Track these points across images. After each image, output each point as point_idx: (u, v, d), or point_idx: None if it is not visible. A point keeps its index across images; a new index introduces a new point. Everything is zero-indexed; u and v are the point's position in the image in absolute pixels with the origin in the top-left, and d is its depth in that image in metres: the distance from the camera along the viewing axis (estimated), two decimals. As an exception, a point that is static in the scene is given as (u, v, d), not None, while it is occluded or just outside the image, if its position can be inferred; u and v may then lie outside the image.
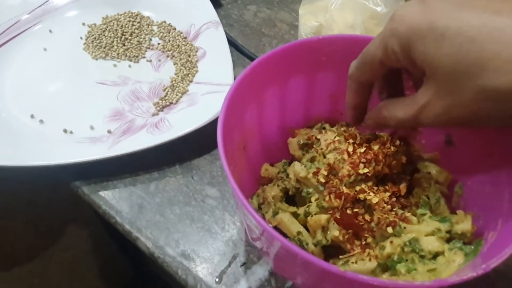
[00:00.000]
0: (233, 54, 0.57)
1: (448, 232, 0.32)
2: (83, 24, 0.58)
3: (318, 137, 0.39)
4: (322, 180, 0.34)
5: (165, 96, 0.51)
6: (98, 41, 0.56)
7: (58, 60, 0.54)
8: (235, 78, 0.53)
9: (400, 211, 0.33)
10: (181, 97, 0.51)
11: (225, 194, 0.43)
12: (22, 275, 0.85)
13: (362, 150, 0.35)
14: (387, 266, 0.31)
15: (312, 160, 0.37)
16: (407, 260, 0.30)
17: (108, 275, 0.99)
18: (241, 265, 0.39)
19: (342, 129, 0.41)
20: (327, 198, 0.33)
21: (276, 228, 0.36)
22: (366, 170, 0.33)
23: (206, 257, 0.39)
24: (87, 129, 0.47)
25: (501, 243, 0.27)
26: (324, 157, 0.37)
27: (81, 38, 0.57)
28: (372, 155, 0.34)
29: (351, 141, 0.36)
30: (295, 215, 0.36)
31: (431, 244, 0.31)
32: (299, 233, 0.34)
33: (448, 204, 0.36)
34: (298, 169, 0.36)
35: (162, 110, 0.49)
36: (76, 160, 0.42)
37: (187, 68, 0.53)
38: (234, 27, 0.62)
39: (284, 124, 0.41)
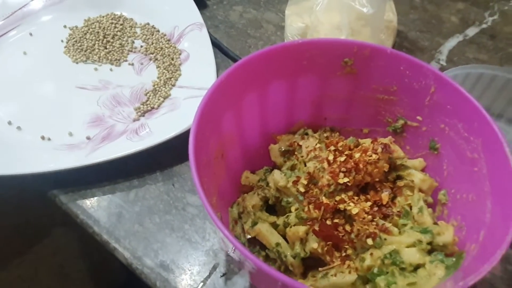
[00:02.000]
0: (218, 56, 0.56)
1: (430, 243, 0.31)
2: (65, 26, 0.57)
3: (301, 143, 0.38)
4: (302, 190, 0.34)
5: (147, 100, 0.49)
6: (79, 44, 0.55)
7: (38, 64, 0.53)
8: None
9: (381, 222, 0.32)
10: (163, 101, 0.49)
11: (206, 202, 0.42)
12: (11, 280, 0.84)
13: (342, 158, 0.33)
14: (367, 278, 0.30)
15: (292, 168, 0.36)
16: (387, 273, 0.30)
17: (99, 279, 0.98)
18: (221, 276, 0.38)
19: (325, 135, 0.40)
20: (306, 209, 0.32)
21: (255, 238, 0.35)
22: (346, 180, 0.32)
23: (185, 268, 0.38)
24: (66, 135, 0.46)
25: (481, 257, 0.26)
26: (305, 165, 0.36)
27: (61, 41, 0.55)
28: (352, 164, 0.33)
29: (332, 148, 0.35)
30: (274, 225, 0.35)
31: (412, 256, 0.30)
32: (277, 244, 0.33)
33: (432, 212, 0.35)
34: (277, 177, 0.35)
35: (144, 115, 0.48)
36: (52, 169, 0.41)
37: (170, 72, 0.52)
38: (219, 29, 0.61)
39: (265, 130, 0.40)
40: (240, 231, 0.36)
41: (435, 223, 0.33)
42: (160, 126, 0.46)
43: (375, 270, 0.30)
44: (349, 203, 0.32)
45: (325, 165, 0.34)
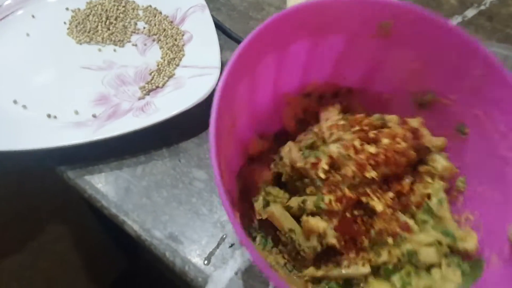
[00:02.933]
0: (221, 38, 0.56)
1: (449, 246, 0.30)
2: (67, 9, 0.57)
3: (316, 108, 0.35)
4: (322, 176, 0.31)
5: (151, 80, 0.50)
6: (82, 26, 0.55)
7: (42, 45, 0.53)
8: (222, 61, 0.52)
9: (402, 217, 0.31)
10: (167, 81, 0.50)
11: (212, 176, 0.43)
12: (12, 268, 0.84)
13: (372, 149, 0.31)
14: (378, 269, 0.30)
15: (311, 146, 0.34)
16: (401, 269, 0.29)
17: (101, 265, 0.98)
18: (229, 246, 0.38)
19: (344, 103, 0.37)
20: (326, 200, 0.30)
21: (266, 220, 0.33)
22: (374, 174, 0.30)
23: (194, 239, 0.39)
24: (72, 113, 0.46)
25: (507, 279, 0.25)
26: (324, 141, 0.33)
27: (64, 23, 0.55)
28: (382, 156, 0.31)
29: (357, 128, 0.32)
30: (287, 208, 0.33)
31: (429, 256, 0.29)
32: (291, 230, 0.32)
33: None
34: (295, 157, 0.32)
35: (149, 94, 0.49)
36: (60, 144, 0.42)
37: (174, 52, 0.52)
38: (221, 11, 0.61)
39: (278, 91, 0.36)
40: (248, 207, 0.34)
41: (455, 216, 0.32)
42: (166, 103, 0.46)
43: (390, 266, 0.29)
44: (372, 197, 0.31)
45: (351, 152, 0.31)
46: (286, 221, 0.32)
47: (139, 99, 0.48)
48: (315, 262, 0.32)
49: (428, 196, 0.33)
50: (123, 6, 0.57)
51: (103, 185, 0.42)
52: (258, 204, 0.34)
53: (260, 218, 0.33)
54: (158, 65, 0.51)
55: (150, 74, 0.50)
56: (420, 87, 0.36)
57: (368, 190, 0.31)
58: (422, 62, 0.34)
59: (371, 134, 0.33)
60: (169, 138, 0.46)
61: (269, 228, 0.34)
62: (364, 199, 0.31)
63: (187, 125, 0.46)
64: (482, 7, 0.64)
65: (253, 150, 0.37)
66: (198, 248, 0.38)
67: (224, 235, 0.39)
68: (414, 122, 0.35)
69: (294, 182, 0.34)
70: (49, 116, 0.46)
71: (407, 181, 0.33)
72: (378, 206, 0.30)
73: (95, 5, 0.57)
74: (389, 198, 0.31)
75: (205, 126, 0.47)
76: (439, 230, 0.31)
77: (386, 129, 0.34)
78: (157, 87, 0.49)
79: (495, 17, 0.62)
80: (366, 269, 0.29)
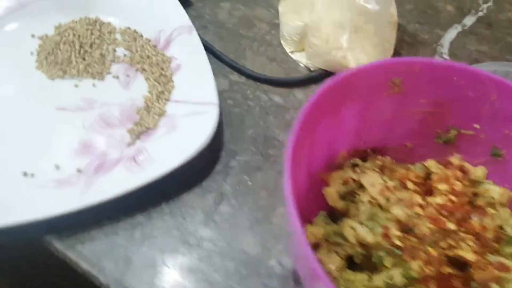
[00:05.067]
0: (211, 62, 0.51)
1: None
2: (33, 36, 0.49)
3: (354, 177, 0.34)
4: (399, 244, 0.30)
5: (140, 120, 0.44)
6: (52, 57, 0.48)
7: (6, 84, 0.45)
8: (219, 92, 0.47)
9: (492, 258, 0.29)
10: (158, 120, 0.44)
11: (221, 234, 0.38)
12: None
13: (438, 200, 0.31)
14: None
15: (371, 217, 0.32)
16: None
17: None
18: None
19: (378, 163, 0.36)
20: (415, 268, 0.29)
21: None
22: (452, 226, 0.29)
23: (209, 314, 0.34)
24: (52, 169, 0.40)
25: None
26: (380, 207, 0.32)
27: (31, 53, 0.48)
28: (450, 204, 0.30)
29: (411, 186, 0.32)
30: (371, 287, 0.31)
31: None
32: None
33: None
34: (362, 233, 0.31)
35: (139, 138, 0.43)
36: (43, 216, 0.35)
37: (162, 84, 0.47)
38: (208, 30, 0.55)
39: (309, 171, 0.35)
40: None
41: None
42: (160, 150, 0.41)
43: None
44: (458, 248, 0.29)
45: (418, 210, 0.31)
46: None
47: (129, 145, 0.42)
48: None
49: (500, 227, 0.32)
50: (98, 30, 0.51)
51: (98, 256, 0.37)
52: None
53: None
54: (145, 101, 0.45)
55: (138, 112, 0.45)
56: (440, 127, 0.37)
57: (451, 242, 0.30)
58: (436, 105, 0.35)
59: (427, 186, 0.33)
60: (167, 190, 0.41)
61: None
62: (450, 252, 0.30)
63: (186, 173, 0.41)
64: (480, 14, 0.61)
65: (310, 240, 0.34)
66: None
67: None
68: (455, 160, 0.35)
69: (369, 260, 0.32)
70: (25, 174, 0.39)
71: (475, 219, 0.32)
72: (470, 256, 0.29)
73: (65, 30, 0.50)
74: (472, 244, 0.30)
75: (206, 173, 0.43)
76: None
77: (434, 175, 0.33)
78: (148, 128, 0.43)
79: (494, 24, 0.60)
80: None
